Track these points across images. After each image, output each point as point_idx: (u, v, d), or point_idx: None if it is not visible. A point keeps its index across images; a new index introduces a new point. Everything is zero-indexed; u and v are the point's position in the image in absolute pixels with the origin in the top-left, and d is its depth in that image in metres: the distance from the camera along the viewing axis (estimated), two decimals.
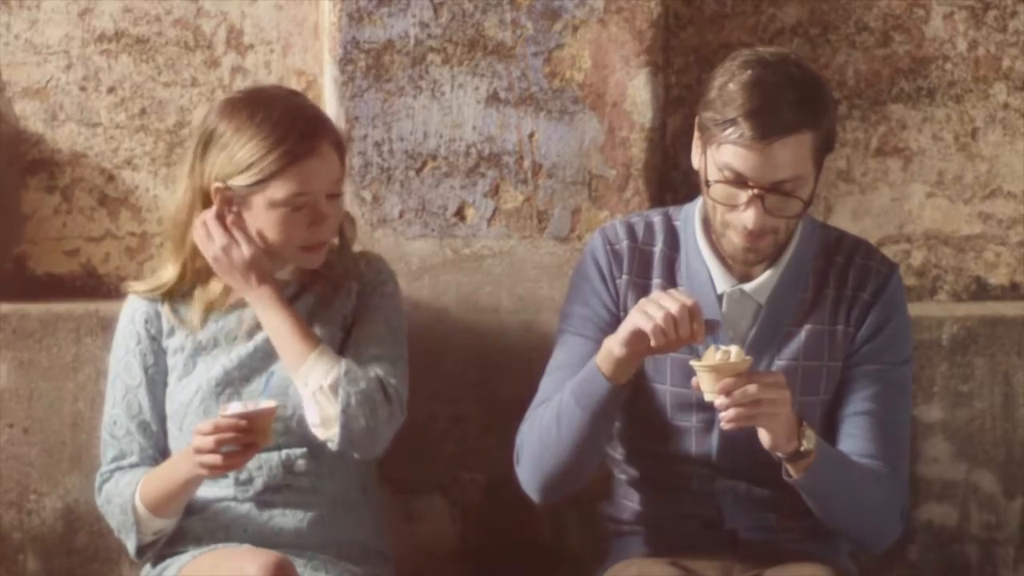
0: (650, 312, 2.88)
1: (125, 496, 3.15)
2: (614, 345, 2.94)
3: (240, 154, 3.06)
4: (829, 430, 3.14)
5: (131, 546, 3.20)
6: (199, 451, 2.98)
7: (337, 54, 3.69)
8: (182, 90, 3.92)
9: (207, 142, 3.10)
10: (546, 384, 3.18)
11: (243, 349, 3.18)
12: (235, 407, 2.99)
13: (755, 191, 2.95)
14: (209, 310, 3.19)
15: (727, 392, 2.83)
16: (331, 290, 3.22)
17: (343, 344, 3.21)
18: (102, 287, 3.92)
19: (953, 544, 3.79)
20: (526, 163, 3.73)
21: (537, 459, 3.11)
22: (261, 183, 3.07)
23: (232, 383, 3.16)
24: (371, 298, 3.24)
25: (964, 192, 3.98)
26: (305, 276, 3.23)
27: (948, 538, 3.78)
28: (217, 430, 2.96)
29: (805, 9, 3.93)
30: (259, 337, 3.19)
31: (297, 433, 3.15)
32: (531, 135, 3.72)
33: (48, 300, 3.81)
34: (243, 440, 2.96)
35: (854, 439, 3.10)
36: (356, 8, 3.68)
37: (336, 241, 3.26)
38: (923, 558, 3.78)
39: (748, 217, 2.97)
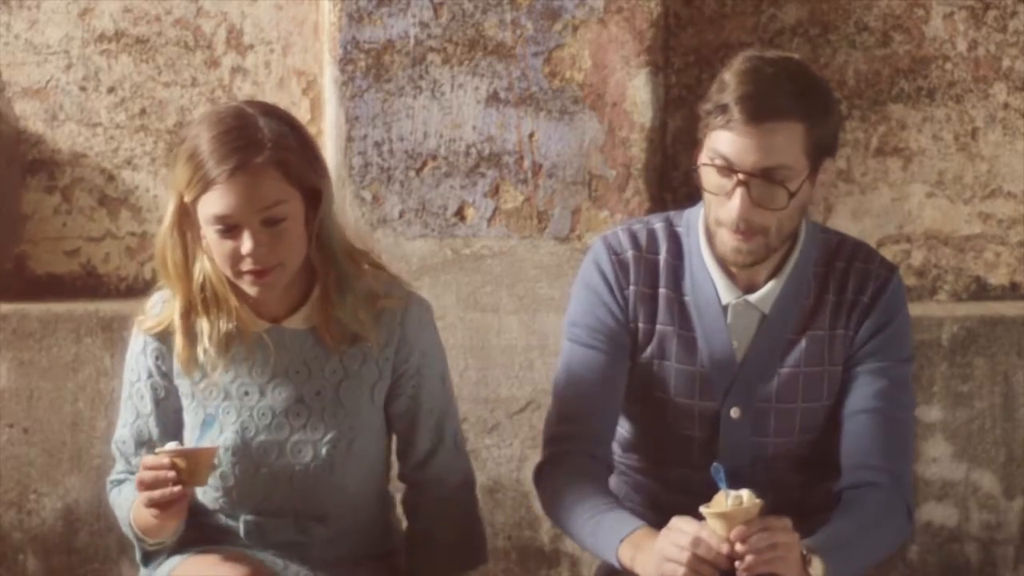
0: (674, 557, 2.85)
1: (123, 511, 3.11)
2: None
3: (186, 168, 2.97)
4: (832, 431, 3.13)
5: (137, 554, 3.18)
6: (136, 489, 2.94)
7: (337, 54, 3.69)
8: (182, 90, 3.92)
9: (176, 154, 3.03)
10: (560, 408, 3.14)
11: (257, 411, 3.06)
12: (171, 445, 2.91)
13: (740, 176, 2.94)
14: (222, 348, 3.03)
15: (743, 539, 2.81)
16: (345, 348, 3.12)
17: (387, 417, 3.12)
18: (102, 287, 3.92)
19: (953, 544, 3.79)
20: (526, 163, 3.73)
21: (558, 523, 3.12)
22: (195, 200, 2.93)
23: (248, 452, 3.04)
24: (419, 378, 3.10)
25: (964, 192, 3.98)
26: (320, 323, 3.06)
27: (948, 538, 3.78)
28: (143, 468, 2.88)
29: (805, 9, 3.93)
30: (273, 397, 3.06)
31: (314, 501, 3.08)
32: (531, 135, 3.72)
33: (48, 300, 3.81)
34: (168, 480, 2.85)
35: (857, 439, 3.09)
36: (356, 8, 3.68)
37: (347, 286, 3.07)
38: (923, 558, 3.78)
39: (733, 205, 2.96)
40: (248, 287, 2.97)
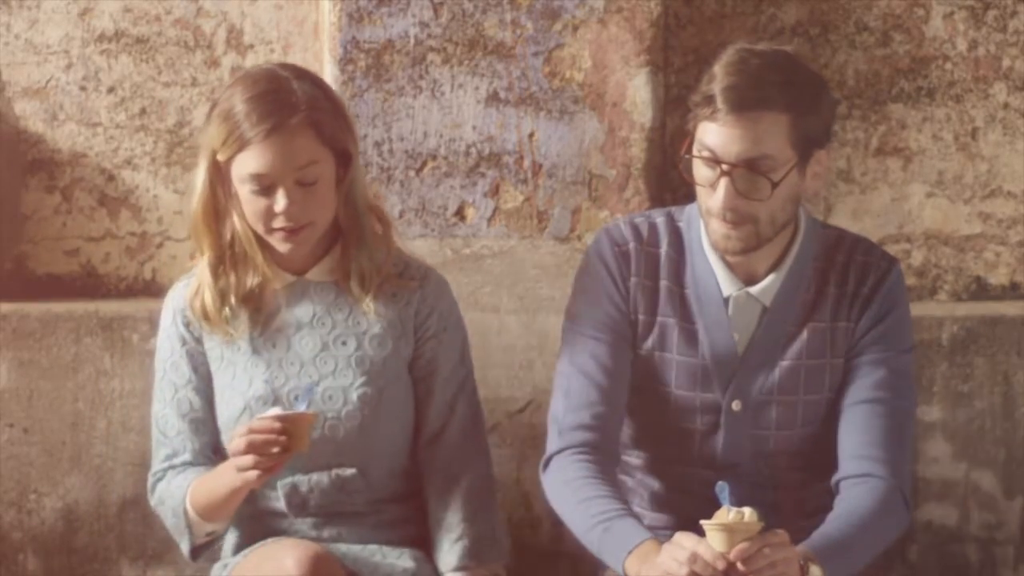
0: (673, 572, 2.85)
1: (176, 499, 3.13)
2: None
3: (222, 128, 3.05)
4: (833, 427, 3.14)
5: (184, 548, 3.19)
6: (233, 453, 2.97)
7: (337, 54, 3.69)
8: (182, 90, 3.92)
9: (210, 115, 3.11)
10: (567, 400, 3.13)
11: (286, 360, 3.13)
12: (273, 411, 2.97)
13: (723, 167, 2.95)
14: (247, 304, 3.12)
15: (744, 558, 2.81)
16: (368, 301, 3.16)
17: (415, 385, 3.18)
18: (102, 287, 3.92)
19: (953, 544, 3.79)
20: (526, 163, 3.73)
21: (563, 518, 3.11)
22: (231, 159, 3.03)
23: (279, 399, 3.10)
24: (438, 342, 3.19)
25: (964, 192, 3.98)
26: (341, 276, 3.16)
27: (948, 538, 3.78)
28: (250, 432, 2.94)
29: (805, 9, 3.93)
30: (300, 346, 3.14)
31: (347, 453, 3.13)
32: (531, 135, 3.72)
33: (48, 300, 3.81)
34: (276, 443, 2.93)
35: (856, 428, 3.10)
36: (356, 8, 3.69)
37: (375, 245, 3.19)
38: (923, 558, 3.78)
39: (719, 196, 2.97)
40: (279, 244, 3.07)
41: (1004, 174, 3.99)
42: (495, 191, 3.73)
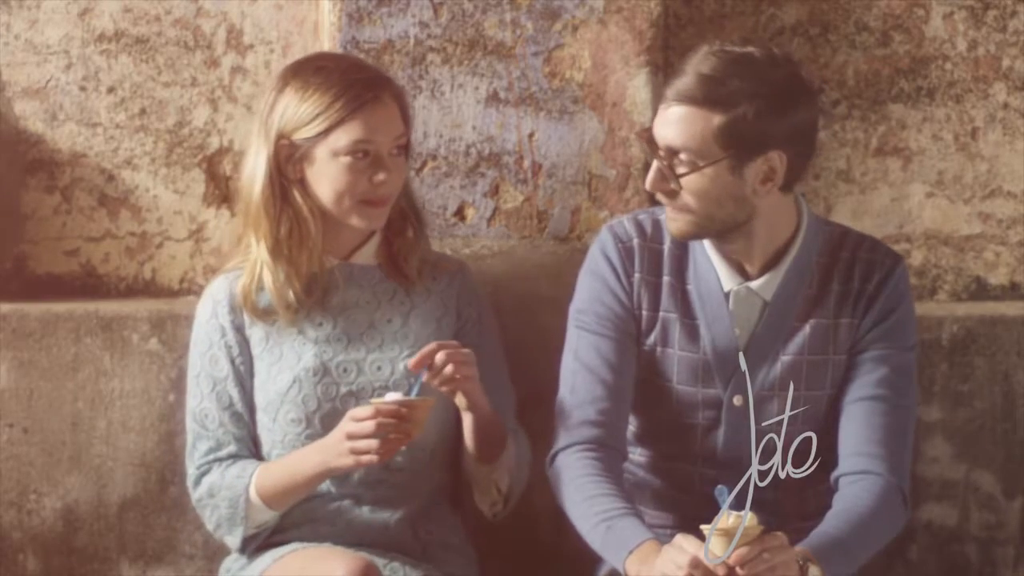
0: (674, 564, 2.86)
1: (236, 489, 3.15)
2: None
3: (304, 107, 3.12)
4: (834, 420, 3.15)
5: (235, 540, 3.20)
6: (353, 436, 2.99)
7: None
8: (182, 90, 3.92)
9: (273, 103, 3.15)
10: (572, 395, 3.15)
11: (333, 337, 3.20)
12: (393, 396, 3.02)
13: (652, 149, 3.03)
14: (304, 288, 3.19)
15: (743, 562, 2.82)
16: (413, 283, 3.25)
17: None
18: (102, 287, 3.92)
19: (953, 544, 3.79)
20: (526, 163, 3.73)
21: (567, 514, 3.13)
22: (325, 133, 3.11)
23: (328, 372, 3.18)
24: (480, 327, 3.30)
25: (964, 192, 3.99)
26: (383, 260, 3.25)
27: (948, 538, 3.78)
28: (378, 414, 2.97)
29: (805, 9, 3.93)
30: (347, 324, 3.21)
31: None
32: (531, 135, 3.73)
33: (48, 300, 3.81)
34: (399, 428, 2.97)
35: (857, 426, 3.11)
36: (356, 8, 3.69)
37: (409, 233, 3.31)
38: (923, 558, 3.78)
39: (647, 177, 3.05)
40: (360, 218, 3.16)
41: (1004, 174, 3.99)
42: (495, 191, 3.74)
